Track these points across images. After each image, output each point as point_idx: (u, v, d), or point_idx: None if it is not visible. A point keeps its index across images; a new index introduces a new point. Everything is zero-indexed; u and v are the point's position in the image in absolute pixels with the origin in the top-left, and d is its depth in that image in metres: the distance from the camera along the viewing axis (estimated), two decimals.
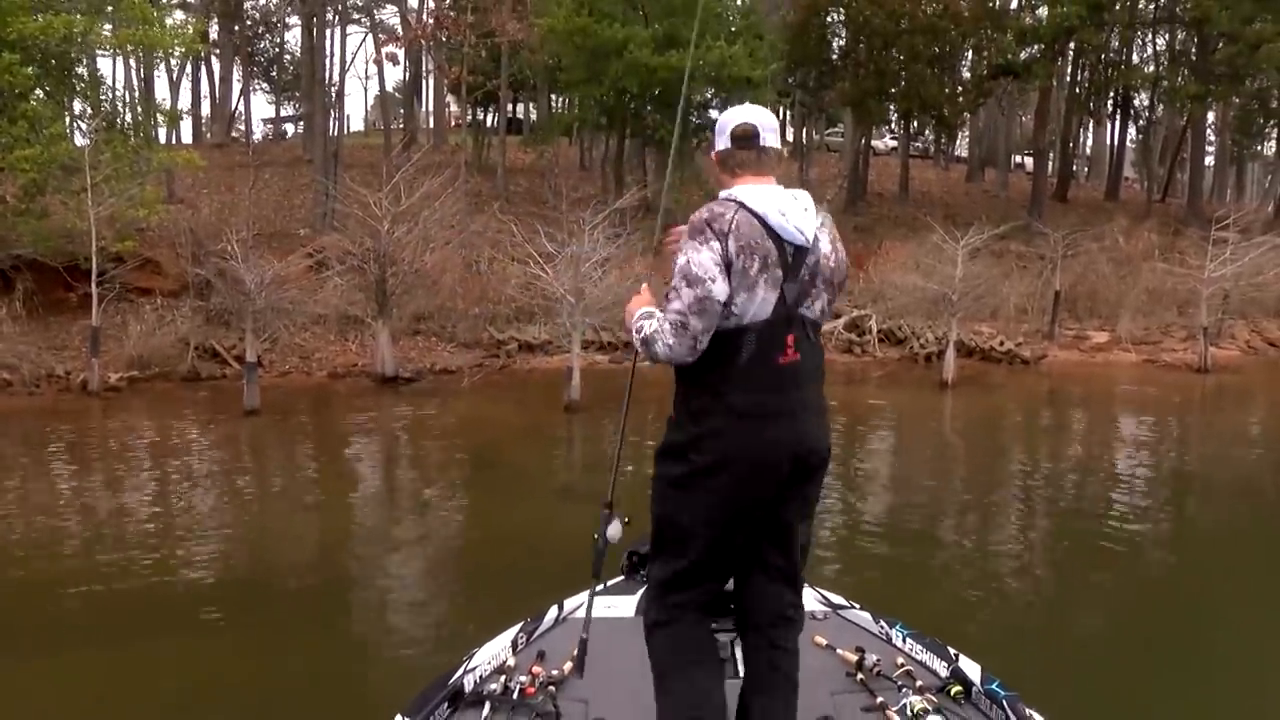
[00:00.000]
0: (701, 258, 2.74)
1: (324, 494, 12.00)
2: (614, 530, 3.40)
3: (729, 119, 3.01)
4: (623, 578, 4.35)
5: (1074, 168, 42.93)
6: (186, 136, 39.09)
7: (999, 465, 13.83)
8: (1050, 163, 36.92)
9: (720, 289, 2.73)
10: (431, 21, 31.85)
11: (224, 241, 17.86)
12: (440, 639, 7.40)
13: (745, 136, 2.95)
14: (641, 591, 4.05)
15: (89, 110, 22.42)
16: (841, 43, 35.59)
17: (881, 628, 3.84)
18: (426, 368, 19.60)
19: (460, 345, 20.97)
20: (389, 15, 44.24)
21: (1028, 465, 13.99)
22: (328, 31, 32.24)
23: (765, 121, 2.99)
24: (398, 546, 9.88)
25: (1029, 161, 41.19)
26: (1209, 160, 44.39)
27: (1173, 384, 20.40)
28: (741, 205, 2.82)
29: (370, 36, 34.08)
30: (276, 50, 47.82)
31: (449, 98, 41.45)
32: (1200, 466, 14.29)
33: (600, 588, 4.05)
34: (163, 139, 29.73)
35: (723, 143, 2.98)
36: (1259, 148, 47.11)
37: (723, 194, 2.91)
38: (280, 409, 16.29)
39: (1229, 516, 11.45)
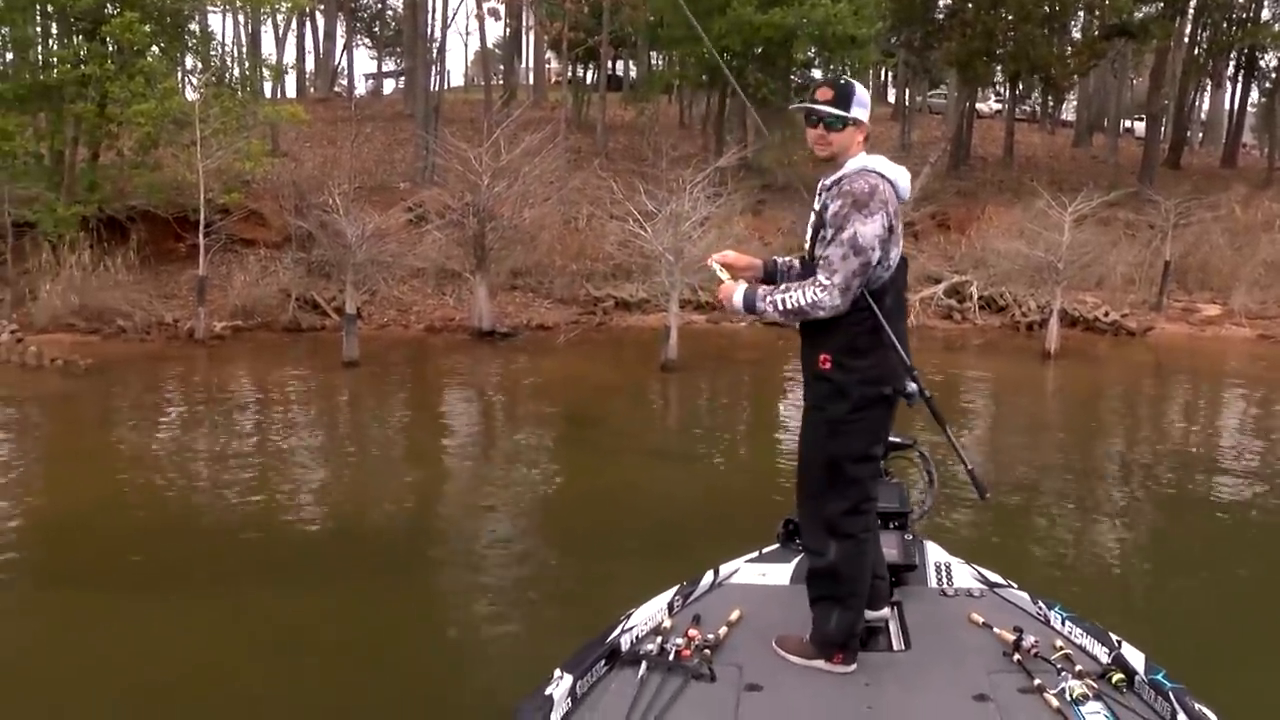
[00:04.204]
0: (869, 230, 3.24)
1: (420, 447, 12.18)
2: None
3: (869, 98, 3.46)
4: (778, 545, 4.40)
5: (1188, 133, 41.33)
6: (291, 91, 39.70)
7: (1100, 441, 13.44)
8: (1163, 127, 35.58)
9: (877, 255, 3.27)
10: None
11: (325, 195, 18.15)
12: (526, 599, 7.47)
13: None
14: (797, 560, 4.13)
15: (199, 66, 22.94)
16: (948, 1, 34.66)
17: (1040, 609, 3.77)
18: (523, 323, 19.74)
19: (557, 301, 21.08)
20: None
21: (1133, 442, 13.59)
22: None
23: None
24: (490, 502, 9.95)
25: (1139, 126, 39.82)
26: None
27: None
28: (883, 176, 3.34)
29: None
30: (379, 6, 48.33)
31: (549, 54, 41.51)
32: None
33: (755, 555, 4.29)
34: (268, 94, 30.31)
35: (866, 116, 3.40)
36: None
37: (864, 163, 3.36)
38: (378, 361, 16.56)
39: None
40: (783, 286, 3.38)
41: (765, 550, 4.37)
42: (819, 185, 3.45)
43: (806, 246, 3.47)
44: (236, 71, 26.00)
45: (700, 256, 16.51)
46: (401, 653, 6.37)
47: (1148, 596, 7.85)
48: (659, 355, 16.12)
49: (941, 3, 34.78)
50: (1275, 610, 7.32)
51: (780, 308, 3.33)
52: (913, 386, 3.32)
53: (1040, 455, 12.17)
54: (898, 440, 4.04)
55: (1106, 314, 21.70)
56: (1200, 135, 47.79)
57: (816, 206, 3.42)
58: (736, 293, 3.48)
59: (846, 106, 3.33)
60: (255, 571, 7.66)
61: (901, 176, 3.38)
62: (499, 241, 18.88)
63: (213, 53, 23.79)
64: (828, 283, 3.23)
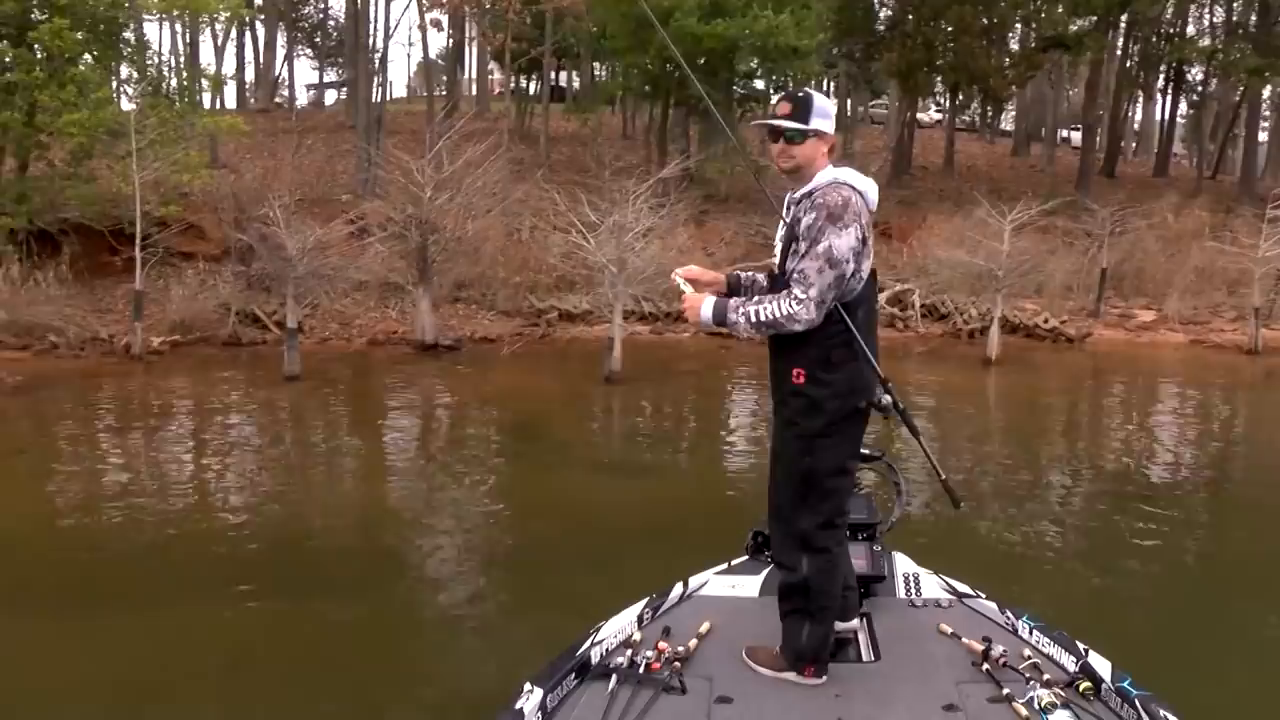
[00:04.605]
0: (843, 242, 3.23)
1: (362, 462, 12.06)
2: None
3: (832, 108, 3.50)
4: (746, 557, 4.40)
5: (1122, 143, 42.15)
6: (231, 102, 39.24)
7: (1042, 446, 13.63)
8: (1098, 138, 36.24)
9: (851, 268, 3.26)
10: None
11: (266, 207, 17.88)
12: (473, 610, 7.42)
13: None
14: (766, 571, 4.14)
15: (135, 75, 22.50)
16: (889, 13, 35.08)
17: (1008, 618, 3.80)
18: (467, 336, 19.61)
19: (501, 314, 20.98)
20: None
21: (1071, 446, 13.79)
22: None
23: None
24: (434, 516, 9.88)
25: (1075, 136, 40.52)
26: (1263, 136, 43.39)
27: (1221, 365, 20.01)
28: (854, 188, 3.32)
29: (414, 2, 33.92)
30: (320, 16, 47.97)
31: (492, 65, 41.38)
32: (1250, 451, 14.02)
33: (724, 567, 4.30)
34: (207, 104, 29.87)
35: (830, 126, 3.42)
36: None
37: (833, 176, 3.35)
38: (320, 375, 16.36)
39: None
40: (755, 299, 3.35)
41: (734, 562, 4.38)
42: (787, 198, 3.45)
43: (777, 260, 3.46)
44: (174, 81, 25.61)
45: (642, 267, 16.55)
46: (347, 671, 6.28)
47: (1084, 588, 7.95)
48: (603, 367, 16.09)
49: (882, 15, 35.25)
50: (1196, 595, 7.63)
51: (753, 320, 3.29)
52: (886, 398, 3.34)
53: (984, 459, 12.30)
54: (866, 452, 4.06)
55: (1046, 321, 22.03)
56: (1134, 145, 48.76)
57: (787, 219, 3.42)
58: (705, 306, 3.43)
59: (806, 119, 3.34)
60: (192, 590, 7.50)
61: (871, 189, 3.39)
62: (442, 254, 18.76)
63: (149, 62, 23.38)
64: (804, 296, 3.20)
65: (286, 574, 7.97)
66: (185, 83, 25.00)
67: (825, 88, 37.14)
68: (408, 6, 66.02)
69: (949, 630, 3.67)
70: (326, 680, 6.15)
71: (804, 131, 3.33)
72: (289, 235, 16.49)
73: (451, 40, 44.35)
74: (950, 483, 3.42)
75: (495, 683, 5.97)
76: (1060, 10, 32.29)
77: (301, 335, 17.09)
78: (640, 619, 3.76)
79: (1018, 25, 35.91)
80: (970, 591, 4.09)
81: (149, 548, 8.50)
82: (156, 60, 25.65)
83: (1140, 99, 45.83)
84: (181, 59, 31.66)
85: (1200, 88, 41.53)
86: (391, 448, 12.91)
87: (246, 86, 42.52)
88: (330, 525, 9.40)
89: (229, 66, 40.98)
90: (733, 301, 3.40)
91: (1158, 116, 45.81)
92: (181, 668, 6.26)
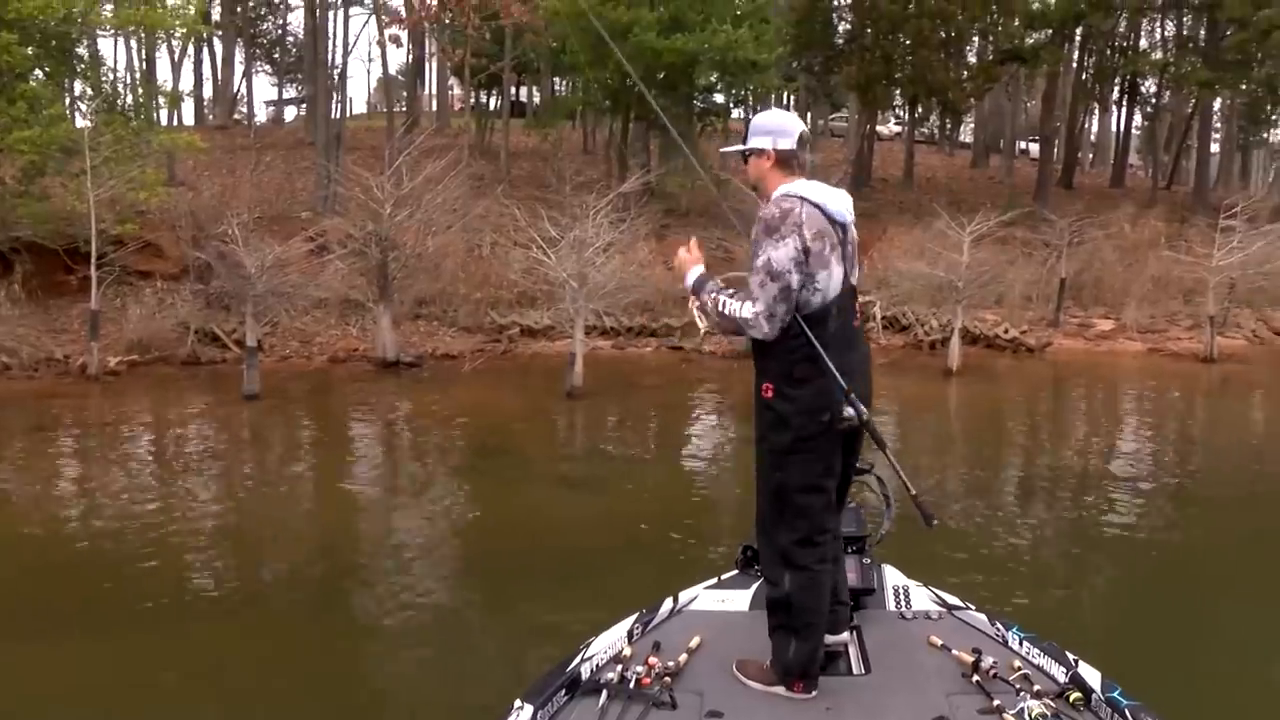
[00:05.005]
0: (780, 254, 3.22)
1: (323, 480, 11.94)
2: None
3: (789, 124, 3.49)
4: (736, 571, 4.41)
5: (1079, 154, 42.70)
6: (189, 119, 38.87)
7: (1003, 454, 13.73)
8: (1055, 149, 36.69)
9: (796, 279, 3.23)
10: (435, 3, 31.60)
11: (225, 224, 17.71)
12: (439, 628, 7.35)
13: (804, 142, 3.45)
14: (756, 586, 4.13)
15: (89, 91, 22.26)
16: (848, 26, 35.36)
17: (998, 630, 3.79)
18: (428, 353, 19.49)
19: (462, 330, 20.87)
20: None
21: (1032, 454, 13.90)
22: (330, 13, 32.10)
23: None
24: (397, 534, 9.80)
25: (1034, 148, 41.01)
26: (1215, 148, 44.14)
27: (1178, 373, 20.27)
28: (804, 199, 3.31)
29: (373, 18, 33.84)
30: (279, 32, 47.66)
31: (452, 81, 41.27)
32: (1210, 460, 14.19)
33: (714, 581, 4.30)
34: (164, 121, 29.60)
35: (787, 143, 3.42)
36: (1266, 135, 46.89)
37: (784, 190, 3.37)
38: (280, 394, 16.20)
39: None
40: (730, 290, 3.38)
41: (724, 576, 4.39)
42: None
43: None
44: (130, 98, 25.30)
45: (603, 282, 16.56)
46: (310, 696, 6.20)
47: (1047, 589, 8.00)
48: (565, 382, 16.04)
49: (841, 28, 35.53)
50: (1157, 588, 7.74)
51: (718, 308, 3.34)
52: (850, 411, 3.29)
53: (945, 469, 12.36)
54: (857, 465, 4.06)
55: (1006, 331, 22.21)
56: (1091, 156, 49.42)
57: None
58: (693, 270, 3.51)
59: (745, 138, 3.49)
60: (150, 615, 7.38)
61: (832, 200, 3.35)
62: (402, 270, 18.65)
63: (104, 78, 23.11)
64: (755, 309, 3.23)
65: (245, 593, 7.87)
66: (141, 99, 24.71)
67: (785, 101, 37.35)
68: (366, 22, 66.06)
69: (939, 642, 3.66)
70: (283, 705, 6.05)
71: (744, 151, 3.49)
72: (247, 253, 16.32)
73: (411, 56, 44.27)
74: (921, 500, 3.39)
75: (461, 700, 5.95)
76: (1017, 24, 32.73)
77: (261, 353, 16.92)
78: (630, 634, 3.74)
79: (975, 38, 36.33)
80: (960, 603, 4.09)
81: (103, 569, 8.37)
82: (112, 77, 25.39)
83: (1096, 111, 46.46)
84: (138, 75, 31.35)
85: (1154, 100, 42.22)
86: (352, 466, 12.78)
87: (205, 103, 42.13)
88: (289, 544, 9.30)
89: (186, 83, 40.67)
90: (714, 283, 3.45)
91: (1114, 128, 46.45)
92: (137, 690, 6.16)
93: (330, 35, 30.52)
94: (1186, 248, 23.82)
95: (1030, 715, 3.10)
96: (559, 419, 15.55)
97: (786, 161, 3.42)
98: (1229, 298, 23.33)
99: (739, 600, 4.12)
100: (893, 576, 4.34)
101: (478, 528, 10.02)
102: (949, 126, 44.79)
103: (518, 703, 3.17)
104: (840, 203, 3.38)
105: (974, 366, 19.46)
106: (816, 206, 3.31)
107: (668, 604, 4.04)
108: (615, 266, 17.12)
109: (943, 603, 4.10)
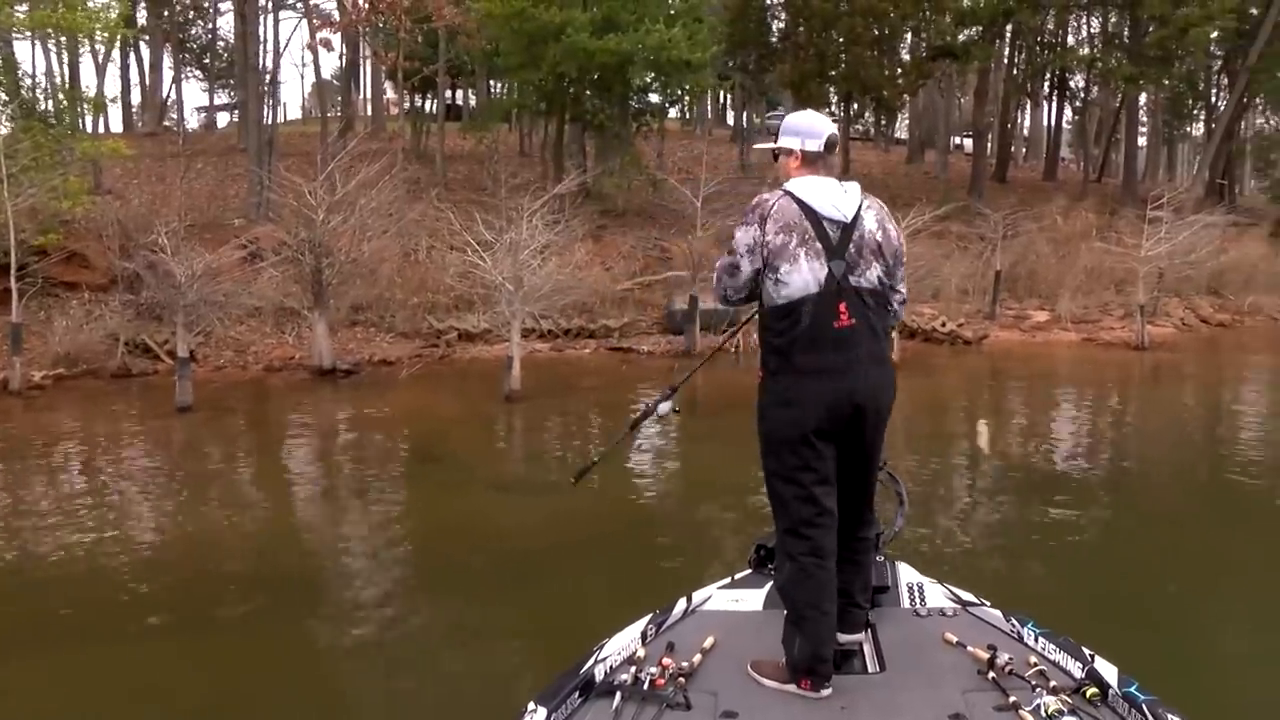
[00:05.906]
0: (739, 235, 3.43)
1: (259, 491, 11.73)
2: (664, 407, 4.18)
3: (819, 126, 3.56)
4: (750, 571, 4.41)
5: (1012, 149, 43.33)
6: (116, 125, 38.16)
7: (946, 447, 13.84)
8: (989, 144, 37.20)
9: (746, 263, 3.41)
10: (366, 6, 31.25)
11: (154, 233, 17.31)
12: (386, 637, 7.23)
13: (831, 145, 3.55)
14: (769, 585, 4.09)
15: (4, 96, 21.67)
16: (781, 25, 35.56)
17: (1013, 626, 3.78)
18: (365, 359, 19.24)
19: (399, 335, 20.64)
20: (323, 0, 43.49)
21: (973, 444, 14.03)
22: (261, 17, 31.53)
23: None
24: (337, 543, 9.65)
25: (968, 143, 41.56)
26: (1142, 141, 45.06)
27: (1111, 362, 20.63)
28: (788, 194, 3.42)
29: (305, 22, 33.45)
30: (208, 36, 46.82)
31: (386, 84, 40.89)
32: (1144, 448, 14.44)
33: (727, 581, 4.32)
34: (89, 128, 28.98)
35: (814, 144, 3.52)
36: (1189, 129, 47.94)
37: (786, 185, 3.49)
38: (215, 405, 15.88)
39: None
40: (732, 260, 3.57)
41: (738, 576, 4.39)
42: None
43: None
44: (50, 104, 24.70)
45: (539, 284, 16.45)
46: (256, 713, 6.07)
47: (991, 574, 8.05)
48: (503, 386, 15.92)
49: (775, 27, 35.70)
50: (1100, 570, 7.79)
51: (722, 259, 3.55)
52: (664, 406, 3.60)
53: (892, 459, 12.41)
54: None
55: (944, 324, 22.45)
56: (1024, 151, 50.18)
57: None
58: None
59: (776, 139, 3.61)
60: (82, 634, 7.18)
61: (831, 198, 3.40)
62: (337, 276, 18.38)
63: (21, 84, 22.55)
64: (715, 273, 3.55)
65: (183, 610, 7.68)
66: (64, 105, 24.14)
67: (720, 100, 37.48)
68: (297, 26, 65.25)
69: (954, 639, 3.65)
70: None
71: (774, 150, 3.62)
72: (178, 262, 15.97)
73: (345, 60, 43.85)
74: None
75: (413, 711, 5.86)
76: (948, 21, 33.11)
77: (195, 364, 16.60)
78: (644, 635, 3.74)
79: (907, 35, 36.72)
80: (975, 600, 4.09)
81: (31, 587, 8.13)
82: (31, 81, 24.78)
83: (1028, 106, 47.20)
84: (59, 80, 30.63)
85: (1083, 94, 42.97)
86: (289, 476, 12.56)
87: (133, 109, 41.37)
88: (227, 558, 9.07)
89: (113, 89, 39.91)
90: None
91: (1045, 122, 47.24)
92: (84, 711, 6.01)
93: (261, 39, 30.00)
94: (1117, 239, 24.28)
95: (1047, 711, 3.09)
96: (498, 422, 15.41)
97: (812, 162, 3.52)
98: (1158, 287, 23.82)
99: (753, 600, 4.12)
100: (907, 574, 4.35)
101: (420, 533, 9.89)
102: (884, 123, 45.21)
103: (531, 705, 3.18)
104: (841, 202, 3.41)
105: (913, 360, 19.63)
106: (799, 202, 3.39)
107: (681, 604, 4.04)
108: (552, 268, 17.03)
109: (957, 599, 4.09)
